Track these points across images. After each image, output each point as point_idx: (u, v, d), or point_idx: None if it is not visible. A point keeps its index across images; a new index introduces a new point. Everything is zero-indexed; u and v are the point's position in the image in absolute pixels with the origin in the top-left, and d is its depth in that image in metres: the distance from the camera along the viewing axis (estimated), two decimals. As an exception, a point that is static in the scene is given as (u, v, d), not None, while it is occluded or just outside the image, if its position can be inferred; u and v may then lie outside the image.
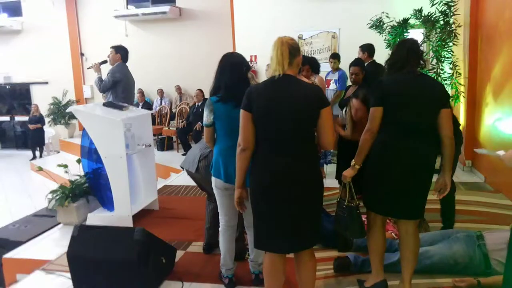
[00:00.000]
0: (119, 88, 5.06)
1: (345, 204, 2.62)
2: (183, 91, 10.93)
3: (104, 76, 5.13)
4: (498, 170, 4.94)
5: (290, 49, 2.19)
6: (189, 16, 11.03)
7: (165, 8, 10.69)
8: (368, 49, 5.82)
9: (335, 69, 6.63)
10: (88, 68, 5.46)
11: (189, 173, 3.43)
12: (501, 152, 2.00)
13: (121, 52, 5.15)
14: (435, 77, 5.59)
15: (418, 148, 2.39)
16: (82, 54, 12.18)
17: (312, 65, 4.69)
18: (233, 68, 2.70)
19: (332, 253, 3.33)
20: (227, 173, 2.70)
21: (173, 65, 11.12)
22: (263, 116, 2.18)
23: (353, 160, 2.51)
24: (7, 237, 4.21)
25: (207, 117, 2.73)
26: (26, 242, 4.07)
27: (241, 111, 2.22)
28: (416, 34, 6.02)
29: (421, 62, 2.48)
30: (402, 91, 2.42)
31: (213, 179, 2.79)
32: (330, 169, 5.74)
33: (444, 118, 2.39)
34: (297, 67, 2.27)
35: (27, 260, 3.72)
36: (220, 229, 2.93)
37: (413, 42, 2.55)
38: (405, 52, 2.46)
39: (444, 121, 2.39)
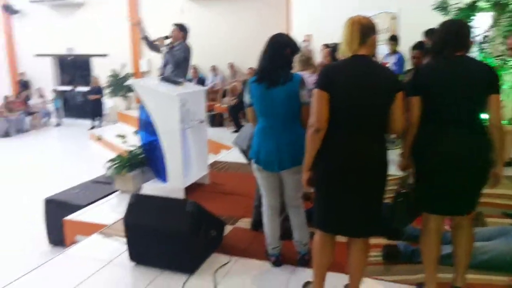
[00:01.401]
0: (183, 65, 5.26)
1: (395, 189, 2.52)
2: (236, 68, 11.00)
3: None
4: None
5: (361, 28, 2.14)
6: (245, -7, 10.97)
7: (222, -16, 10.70)
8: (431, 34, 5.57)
9: (393, 51, 6.41)
10: (153, 42, 5.60)
11: (241, 151, 3.49)
12: None
13: (184, 31, 5.35)
14: (501, 65, 5.28)
15: (461, 139, 2.22)
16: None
17: None
18: (273, 50, 2.70)
19: (382, 240, 3.28)
20: (258, 155, 2.74)
21: (227, 43, 11.16)
22: (342, 96, 2.12)
23: (401, 149, 2.43)
24: (68, 200, 4.49)
25: (246, 96, 2.80)
26: (86, 206, 4.32)
27: (316, 90, 2.15)
28: (484, 18, 5.68)
29: (464, 45, 2.26)
30: (437, 78, 2.24)
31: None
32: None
33: (491, 105, 2.19)
34: (372, 47, 2.19)
35: (86, 223, 3.96)
36: (262, 208, 2.98)
37: (452, 23, 2.40)
38: (443, 34, 2.29)
39: (492, 108, 2.19)
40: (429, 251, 2.46)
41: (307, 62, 3.55)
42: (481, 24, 5.71)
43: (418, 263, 2.75)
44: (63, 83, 14.71)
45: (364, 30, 2.15)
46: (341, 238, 2.37)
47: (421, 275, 2.70)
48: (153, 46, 5.52)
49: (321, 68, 2.28)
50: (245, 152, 3.43)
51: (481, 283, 2.71)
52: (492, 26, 5.59)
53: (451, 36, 2.25)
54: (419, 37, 5.65)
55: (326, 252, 2.36)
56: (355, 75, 2.14)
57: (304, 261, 2.94)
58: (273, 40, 2.73)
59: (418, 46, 4.42)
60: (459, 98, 2.20)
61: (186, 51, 5.30)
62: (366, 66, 2.16)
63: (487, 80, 2.21)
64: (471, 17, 5.66)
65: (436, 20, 5.80)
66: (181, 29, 5.32)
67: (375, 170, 2.18)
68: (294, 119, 2.67)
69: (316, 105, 2.15)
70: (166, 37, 5.47)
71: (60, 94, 13.97)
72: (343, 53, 2.18)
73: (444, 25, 2.35)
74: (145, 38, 5.58)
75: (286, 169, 2.69)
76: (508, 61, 5.41)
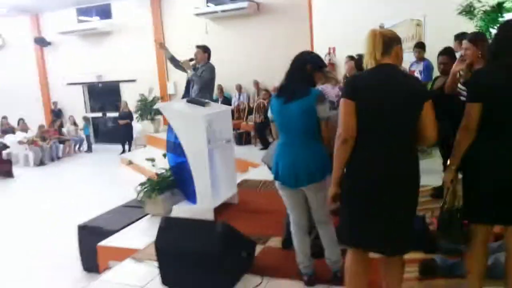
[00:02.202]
0: (211, 85, 5.36)
1: (446, 206, 2.39)
2: (261, 85, 11.04)
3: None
4: None
5: (384, 39, 2.13)
6: (267, 10, 11.08)
7: (243, 4, 10.84)
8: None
9: (420, 58, 6.29)
10: (180, 64, 5.72)
11: (269, 168, 3.46)
12: None
13: (208, 52, 5.45)
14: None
15: None
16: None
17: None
18: (293, 67, 2.76)
19: (418, 255, 3.16)
20: (277, 171, 2.73)
21: (251, 60, 11.24)
22: (368, 106, 2.09)
23: (449, 160, 2.33)
24: (101, 226, 4.54)
25: (269, 111, 2.84)
26: (118, 231, 4.36)
27: (343, 100, 2.14)
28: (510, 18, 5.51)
29: None
30: (494, 85, 2.14)
31: None
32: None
33: None
34: (396, 57, 2.17)
35: (119, 249, 3.99)
36: (291, 228, 2.94)
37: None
38: (501, 37, 2.20)
39: None
40: (477, 264, 2.36)
41: (326, 76, 3.55)
42: None
43: (457, 276, 2.64)
44: (93, 110, 15.14)
45: (387, 40, 2.13)
46: (375, 255, 2.29)
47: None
48: (180, 65, 5.63)
49: (347, 78, 2.25)
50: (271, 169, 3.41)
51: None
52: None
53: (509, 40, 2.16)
54: (446, 42, 5.53)
55: (359, 271, 2.27)
56: (381, 83, 2.11)
57: (337, 278, 2.84)
58: (294, 59, 2.79)
59: (445, 52, 4.30)
60: None
61: (212, 72, 5.39)
62: (391, 75, 2.14)
63: None
64: (499, 19, 5.49)
65: (462, 24, 5.74)
66: (205, 50, 5.44)
67: (406, 182, 2.12)
68: (311, 135, 2.65)
69: (343, 115, 2.12)
70: (191, 59, 5.57)
71: (89, 121, 14.36)
72: (367, 64, 2.16)
73: (505, 27, 2.27)
74: (171, 59, 5.71)
75: (304, 186, 2.65)
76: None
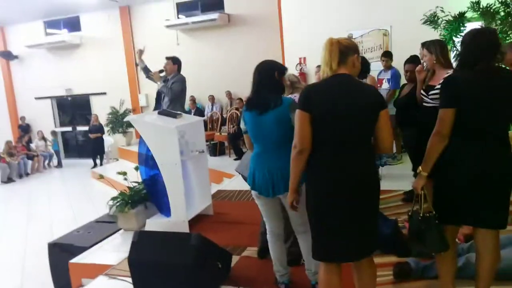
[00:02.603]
0: (181, 97, 5.33)
1: (421, 215, 2.37)
2: (234, 96, 11.07)
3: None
4: None
5: (341, 48, 2.15)
6: (238, 22, 11.17)
7: (214, 15, 10.89)
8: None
9: (388, 67, 6.45)
10: (147, 76, 5.69)
11: (244, 178, 3.46)
12: None
13: (177, 63, 5.42)
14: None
15: (494, 154, 2.16)
16: (137, 65, 12.60)
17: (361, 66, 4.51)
18: (260, 75, 2.72)
19: (391, 258, 3.21)
20: (253, 181, 2.73)
21: (223, 71, 11.28)
22: (322, 117, 2.10)
23: (420, 167, 2.31)
24: (72, 243, 4.42)
25: (241, 124, 2.82)
26: (90, 248, 4.25)
27: (298, 111, 2.15)
28: (474, 27, 5.73)
29: (498, 55, 2.23)
30: (475, 92, 2.16)
31: None
32: (385, 171, 5.56)
33: None
34: (352, 67, 2.20)
35: (91, 265, 3.89)
36: (268, 236, 2.93)
37: (483, 32, 2.36)
38: (477, 45, 2.20)
39: None
40: (447, 265, 2.40)
41: (293, 86, 3.60)
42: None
43: (431, 278, 2.69)
44: (63, 124, 14.82)
45: (343, 49, 2.15)
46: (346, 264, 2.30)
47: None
48: (151, 77, 5.59)
49: (302, 89, 2.26)
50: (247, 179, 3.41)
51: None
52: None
53: (487, 47, 2.18)
54: (412, 51, 5.69)
55: (333, 282, 2.25)
56: (335, 94, 2.12)
57: None
58: (258, 67, 2.75)
59: (411, 60, 4.44)
60: (497, 113, 2.16)
61: (182, 83, 5.37)
62: (347, 85, 2.15)
63: None
64: (461, 28, 5.70)
65: (426, 33, 5.92)
66: (175, 62, 5.41)
67: (367, 191, 2.14)
68: (285, 143, 2.63)
69: (298, 126, 2.14)
70: (161, 71, 5.54)
71: (58, 136, 14.04)
72: (323, 73, 2.18)
73: (476, 35, 2.26)
74: (145, 69, 5.66)
75: (281, 194, 2.65)
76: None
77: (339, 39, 2.18)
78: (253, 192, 2.81)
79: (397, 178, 4.89)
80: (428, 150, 2.26)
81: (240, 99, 9.52)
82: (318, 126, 2.11)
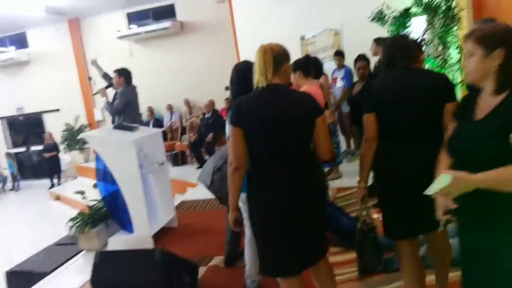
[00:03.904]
0: (128, 110, 5.14)
1: (358, 227, 2.34)
2: (192, 104, 10.98)
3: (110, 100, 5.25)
4: None
5: (275, 56, 2.05)
6: (191, 29, 11.10)
7: (166, 23, 10.79)
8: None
9: (341, 66, 6.57)
10: (93, 95, 5.59)
11: (206, 186, 3.42)
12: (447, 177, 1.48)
13: (124, 75, 5.26)
14: (442, 64, 5.50)
15: (418, 154, 2.07)
16: (90, 78, 12.24)
17: (314, 67, 4.46)
18: (238, 76, 2.68)
19: (355, 254, 3.23)
20: None
21: (180, 79, 11.18)
22: (257, 131, 2.01)
23: (358, 178, 2.29)
24: (31, 269, 4.23)
25: (227, 128, 2.71)
26: (51, 273, 4.08)
27: (231, 127, 2.05)
28: (419, 21, 5.93)
29: (409, 56, 2.18)
30: (392, 92, 2.13)
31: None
32: (345, 168, 5.64)
33: (448, 114, 1.99)
34: (285, 75, 2.13)
35: (53, 291, 3.74)
36: (246, 240, 2.88)
37: (395, 37, 2.44)
38: (390, 49, 2.23)
39: (447, 117, 1.98)
40: (415, 282, 2.22)
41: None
42: (418, 28, 5.96)
43: (394, 270, 2.75)
44: (16, 144, 14.22)
45: (277, 57, 2.06)
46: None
47: (396, 283, 2.77)
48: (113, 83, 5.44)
49: (233, 104, 2.15)
50: (209, 188, 3.36)
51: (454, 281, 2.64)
52: (427, 29, 5.82)
53: (398, 50, 2.18)
54: (362, 49, 5.84)
55: None
56: (268, 105, 2.04)
57: None
58: (237, 68, 2.73)
59: (361, 57, 4.55)
60: (416, 111, 2.09)
61: (126, 96, 5.17)
62: (280, 95, 2.07)
63: (441, 89, 2.10)
64: (407, 23, 5.89)
65: (375, 31, 6.07)
66: (121, 75, 5.25)
67: (311, 200, 2.08)
68: None
69: (232, 142, 2.04)
70: (109, 86, 5.41)
71: (13, 157, 13.46)
72: (258, 83, 2.07)
73: (387, 40, 2.35)
74: (105, 77, 5.52)
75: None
76: (448, 60, 5.64)
77: (272, 46, 2.08)
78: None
79: (357, 174, 4.95)
80: (360, 159, 2.25)
81: (210, 101, 9.17)
82: (253, 140, 2.02)
